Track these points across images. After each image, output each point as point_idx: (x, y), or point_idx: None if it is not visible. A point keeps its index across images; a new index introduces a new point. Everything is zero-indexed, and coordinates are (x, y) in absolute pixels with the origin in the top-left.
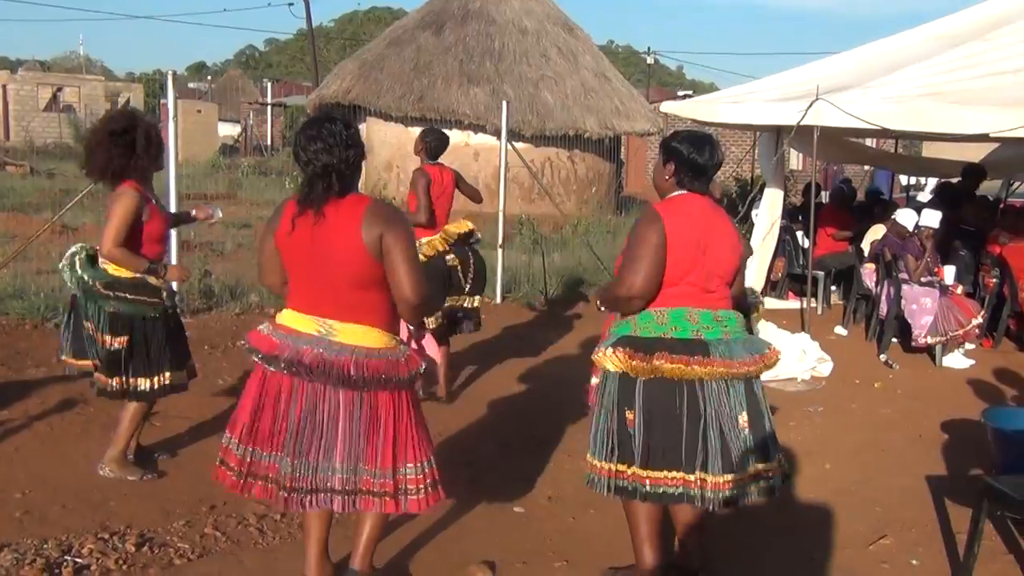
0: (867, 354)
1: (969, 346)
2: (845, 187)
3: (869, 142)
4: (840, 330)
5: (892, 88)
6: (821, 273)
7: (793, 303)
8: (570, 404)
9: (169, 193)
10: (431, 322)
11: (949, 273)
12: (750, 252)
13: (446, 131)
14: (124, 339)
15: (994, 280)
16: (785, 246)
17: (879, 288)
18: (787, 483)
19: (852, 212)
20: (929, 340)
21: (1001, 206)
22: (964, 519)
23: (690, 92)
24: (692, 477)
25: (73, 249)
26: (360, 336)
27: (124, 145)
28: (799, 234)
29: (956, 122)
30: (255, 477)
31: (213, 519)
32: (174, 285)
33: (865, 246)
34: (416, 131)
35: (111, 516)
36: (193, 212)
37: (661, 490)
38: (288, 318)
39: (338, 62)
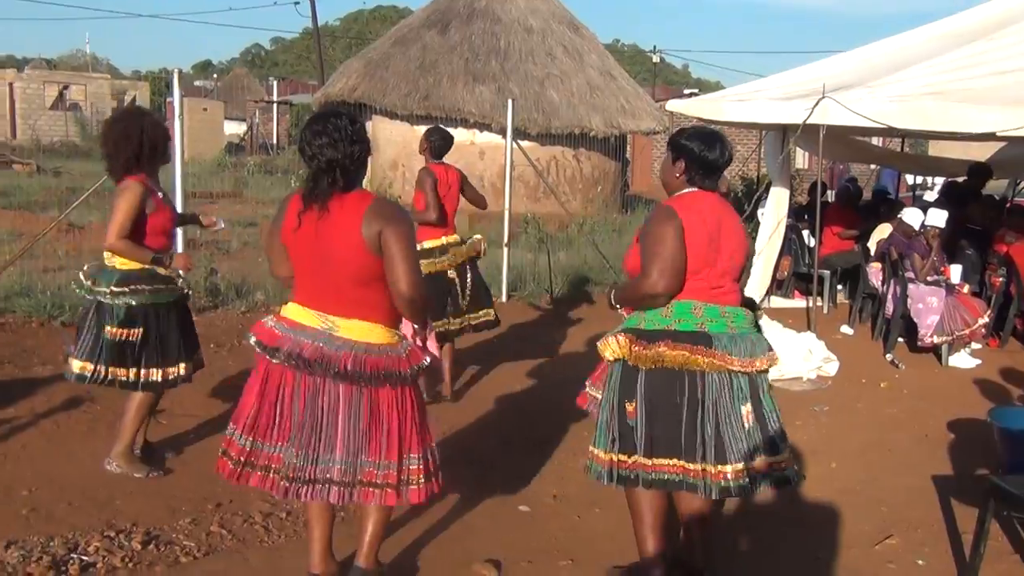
0: (873, 353)
1: (975, 345)
2: (851, 186)
3: (875, 141)
4: (846, 329)
5: (898, 87)
6: (827, 272)
7: (799, 302)
8: (575, 404)
9: (175, 191)
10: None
11: (955, 272)
12: (753, 252)
13: (451, 130)
14: (138, 331)
15: (1000, 279)
16: (791, 245)
17: (885, 287)
18: (796, 481)
19: (858, 211)
20: (935, 339)
21: (1007, 205)
22: (970, 519)
23: (696, 91)
24: (692, 466)
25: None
26: (362, 332)
27: (127, 139)
28: (805, 233)
29: (962, 121)
30: (253, 467)
31: (219, 517)
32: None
33: (871, 245)
34: (422, 130)
35: (117, 514)
36: (200, 217)
37: (665, 477)
38: (292, 312)
39: (344, 61)
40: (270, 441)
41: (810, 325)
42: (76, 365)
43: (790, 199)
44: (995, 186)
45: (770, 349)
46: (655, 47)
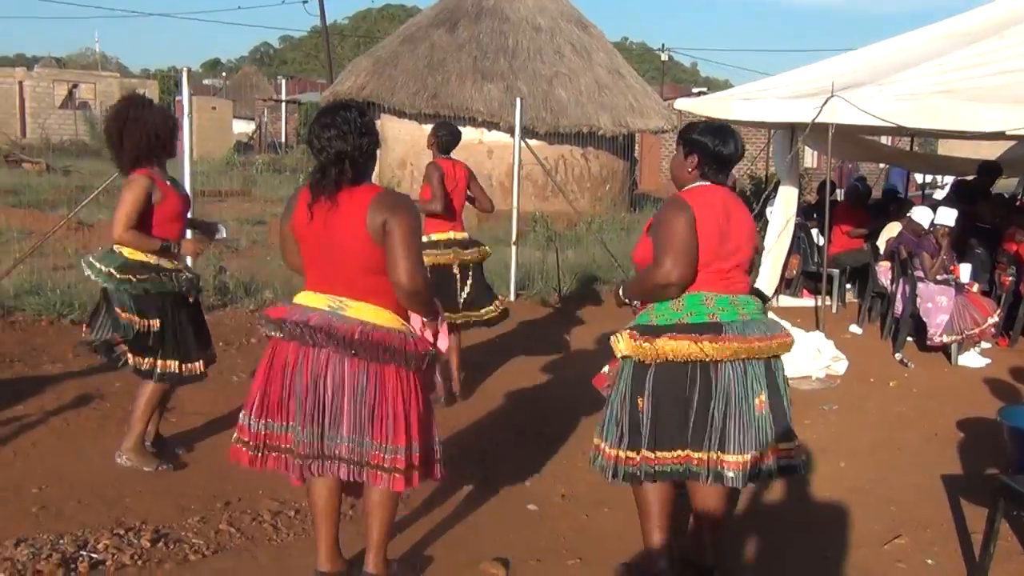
0: (882, 352)
1: (985, 345)
2: (860, 185)
3: (884, 140)
4: (855, 328)
5: (907, 85)
6: (836, 271)
7: (808, 301)
8: (583, 402)
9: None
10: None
11: (965, 271)
12: (762, 245)
13: (460, 128)
14: (157, 321)
15: (1010, 278)
16: (800, 244)
17: (894, 286)
18: (805, 470)
19: (867, 210)
20: (945, 339)
21: (1017, 203)
22: (980, 518)
23: (704, 89)
24: (697, 455)
25: (97, 252)
26: (370, 314)
27: (129, 135)
28: (814, 232)
29: (971, 120)
30: (270, 449)
31: (228, 515)
32: (189, 261)
33: (880, 244)
34: (430, 128)
35: (126, 512)
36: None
37: (668, 468)
38: (303, 298)
39: (352, 59)
40: (279, 420)
41: (819, 324)
42: (96, 335)
43: (799, 198)
44: (1005, 184)
45: (783, 328)
46: (663, 45)
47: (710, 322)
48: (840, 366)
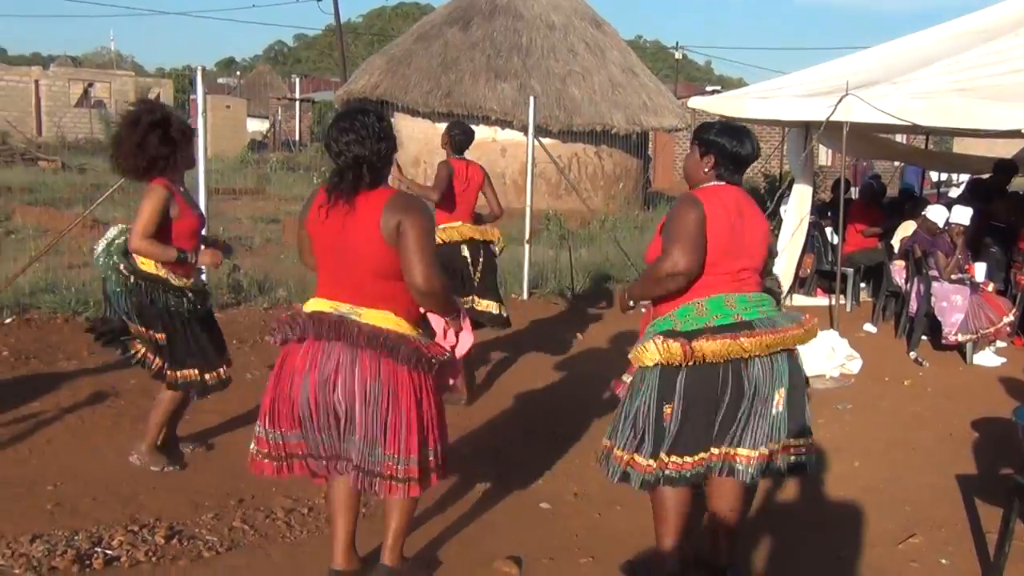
0: (897, 351)
1: (1000, 344)
2: (874, 183)
3: (899, 138)
4: (869, 327)
5: (922, 84)
6: (850, 270)
7: (822, 300)
8: (596, 401)
9: (198, 188)
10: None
11: (980, 270)
12: (775, 250)
13: (473, 127)
14: (162, 335)
15: None
16: (814, 242)
17: (909, 285)
18: (816, 465)
19: (882, 208)
20: (959, 338)
21: None
22: (995, 518)
23: (718, 87)
24: (716, 451)
25: (113, 232)
26: (380, 319)
27: (142, 149)
28: (828, 230)
29: (987, 118)
30: (292, 457)
31: (241, 512)
32: (204, 276)
33: (895, 243)
34: (443, 127)
35: (141, 509)
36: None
37: (690, 473)
38: (314, 304)
39: (366, 58)
40: (293, 429)
41: (833, 323)
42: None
43: (813, 196)
44: (1021, 183)
45: (807, 316)
46: (677, 43)
47: (737, 322)
48: (854, 365)
